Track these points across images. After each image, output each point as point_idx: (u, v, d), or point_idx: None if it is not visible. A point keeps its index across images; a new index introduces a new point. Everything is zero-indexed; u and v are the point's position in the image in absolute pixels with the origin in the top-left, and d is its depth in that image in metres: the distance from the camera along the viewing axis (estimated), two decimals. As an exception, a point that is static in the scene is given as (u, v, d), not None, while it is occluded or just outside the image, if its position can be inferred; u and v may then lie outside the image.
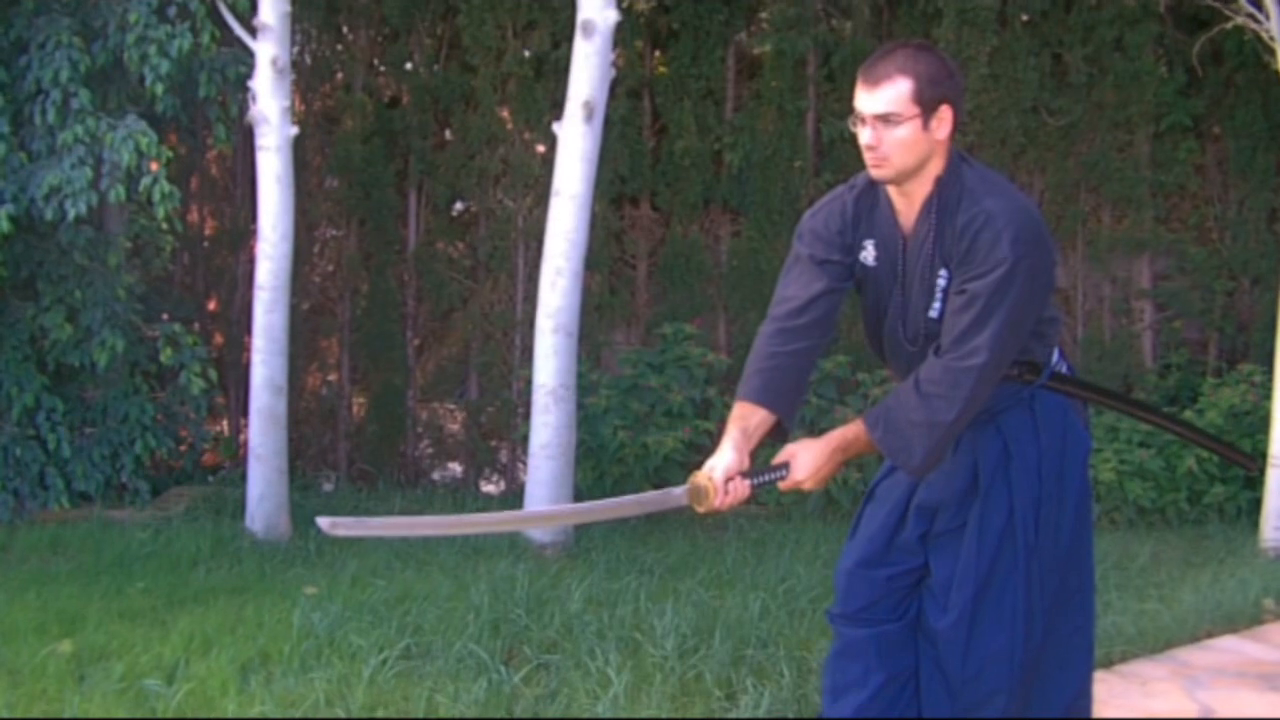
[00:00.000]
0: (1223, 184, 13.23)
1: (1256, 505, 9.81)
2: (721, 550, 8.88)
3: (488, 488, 13.14)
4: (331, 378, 13.98)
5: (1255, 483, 10.00)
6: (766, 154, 12.65)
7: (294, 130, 9.97)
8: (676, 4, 12.78)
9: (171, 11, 10.09)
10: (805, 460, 3.65)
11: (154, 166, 9.94)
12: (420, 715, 5.40)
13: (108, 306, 10.60)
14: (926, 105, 3.57)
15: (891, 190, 3.74)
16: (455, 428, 13.92)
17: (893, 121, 3.57)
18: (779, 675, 5.75)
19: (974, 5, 12.08)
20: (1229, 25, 9.97)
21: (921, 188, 3.67)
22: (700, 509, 3.64)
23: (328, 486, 12.56)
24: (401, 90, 13.84)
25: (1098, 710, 5.24)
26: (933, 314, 3.67)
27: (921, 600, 3.91)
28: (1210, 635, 6.97)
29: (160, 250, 11.88)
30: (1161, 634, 6.85)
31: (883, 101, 3.57)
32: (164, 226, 10.84)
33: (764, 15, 13.16)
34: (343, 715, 5.36)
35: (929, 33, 12.33)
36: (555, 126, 9.32)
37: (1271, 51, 9.49)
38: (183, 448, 12.16)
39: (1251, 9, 9.52)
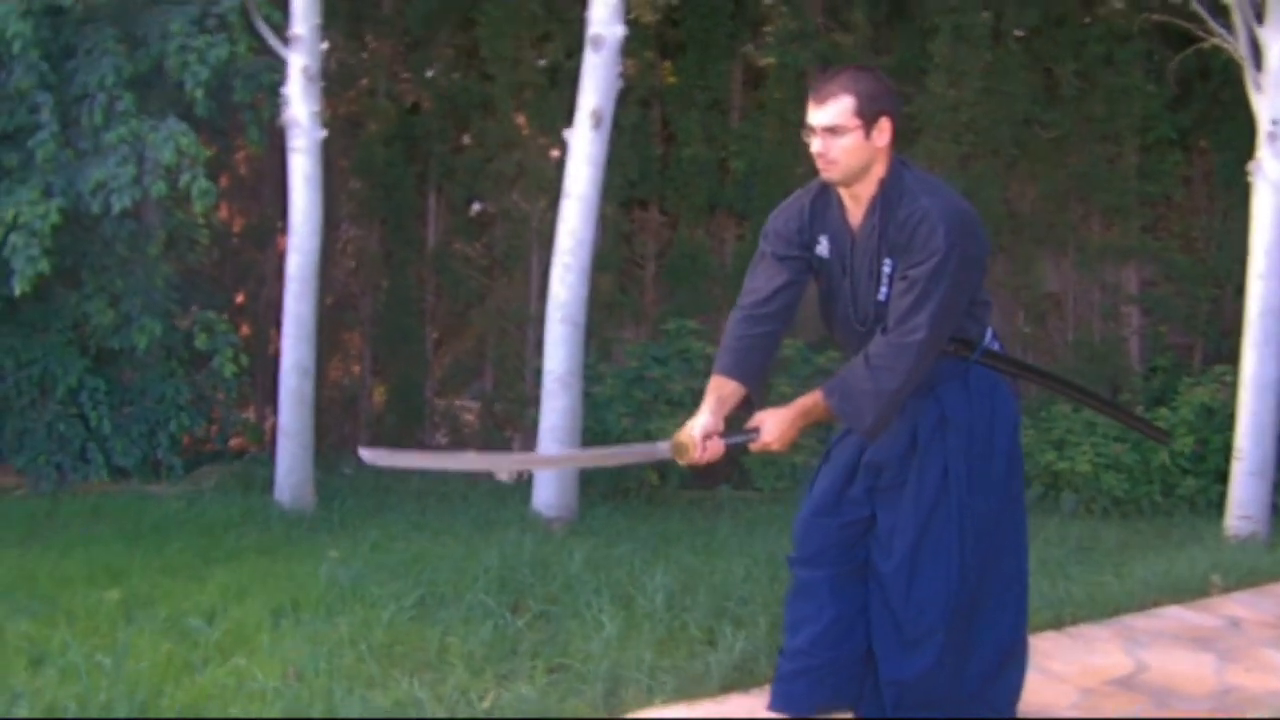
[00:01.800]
0: (1208, 195, 13.74)
1: (1224, 498, 10.32)
2: (715, 526, 9.43)
3: (501, 475, 13.58)
4: (353, 369, 14.52)
5: (1225, 476, 10.44)
6: (769, 161, 13.10)
7: (323, 133, 10.62)
8: (685, 17, 13.24)
9: (210, 22, 10.88)
10: (772, 425, 4.13)
11: (192, 167, 10.55)
12: (433, 653, 5.97)
13: (146, 294, 11.25)
14: (867, 118, 4.07)
15: (842, 191, 4.22)
16: (471, 419, 14.45)
17: (838, 132, 4.08)
18: (755, 625, 6.28)
19: (968, 22, 12.60)
20: (1206, 45, 10.47)
21: (867, 189, 4.15)
22: (681, 461, 4.21)
23: (348, 470, 13.08)
24: (422, 96, 14.38)
25: (1041, 662, 5.86)
26: (880, 298, 4.13)
27: (869, 547, 4.43)
28: (1157, 605, 7.42)
29: (196, 243, 12.51)
30: (1111, 602, 7.32)
31: (829, 115, 4.10)
32: (200, 221, 11.47)
33: (768, 29, 13.60)
34: (364, 651, 5.94)
35: (925, 48, 12.84)
36: (566, 133, 9.88)
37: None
38: (214, 429, 12.78)
39: (1221, 31, 10.06)
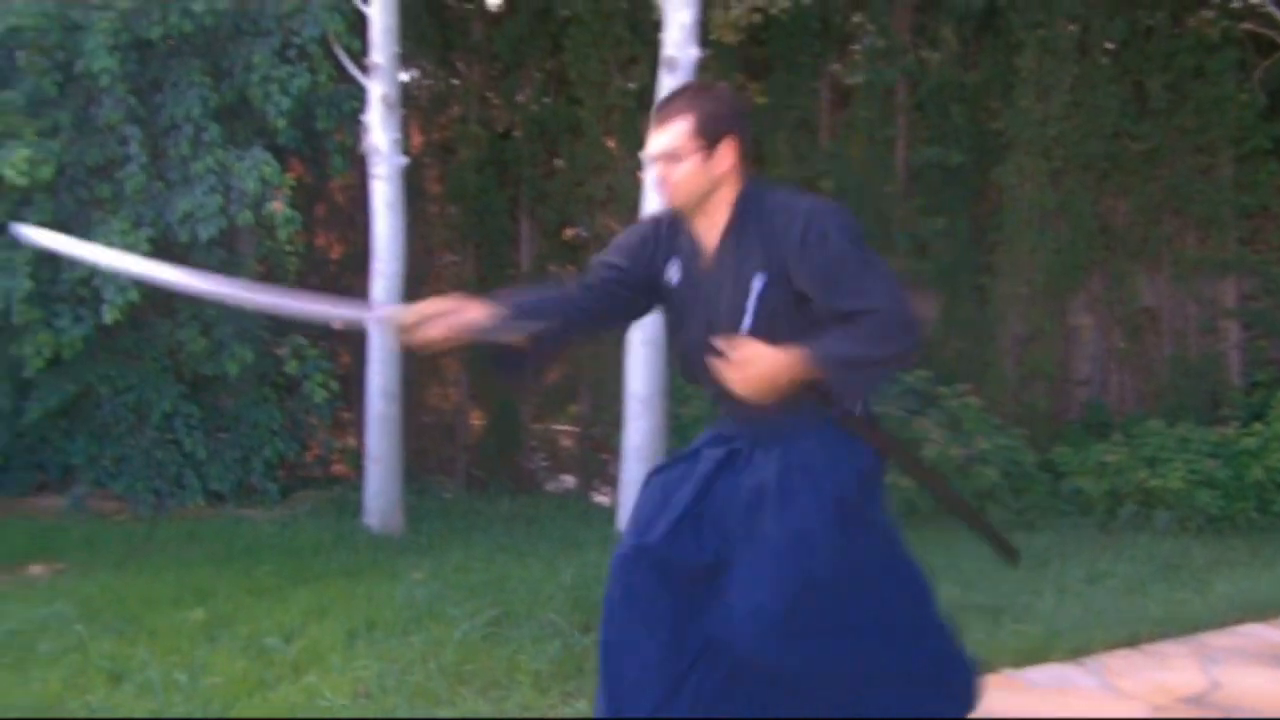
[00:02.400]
0: (1308, 206, 13.49)
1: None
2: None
3: (599, 498, 13.64)
4: (451, 394, 14.67)
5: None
6: (858, 180, 13.02)
7: (404, 160, 10.76)
8: (770, 37, 13.27)
9: (292, 53, 11.15)
10: (763, 360, 3.69)
11: (278, 196, 10.76)
12: (502, 672, 6.04)
13: (238, 322, 11.47)
14: (708, 140, 3.86)
15: (695, 219, 3.99)
16: (569, 443, 14.54)
17: (676, 157, 3.87)
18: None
19: (1055, 35, 12.52)
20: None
21: (719, 213, 3.93)
22: (394, 335, 3.99)
23: (446, 495, 13.21)
24: (513, 122, 14.53)
25: (1112, 680, 5.83)
26: (745, 325, 3.85)
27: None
28: (1239, 623, 7.27)
29: (286, 271, 12.72)
30: (1191, 620, 7.22)
31: (666, 140, 3.90)
32: (287, 248, 11.68)
33: (855, 47, 13.60)
34: (434, 669, 6.03)
35: (1012, 63, 12.78)
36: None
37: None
38: (309, 456, 12.99)
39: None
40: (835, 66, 13.74)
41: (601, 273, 4.13)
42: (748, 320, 3.86)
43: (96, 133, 11.07)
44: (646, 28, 12.82)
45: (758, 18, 13.00)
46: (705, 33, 10.49)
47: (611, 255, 4.16)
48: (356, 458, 12.94)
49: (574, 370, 13.96)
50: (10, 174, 10.30)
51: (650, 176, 4.01)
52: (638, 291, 4.14)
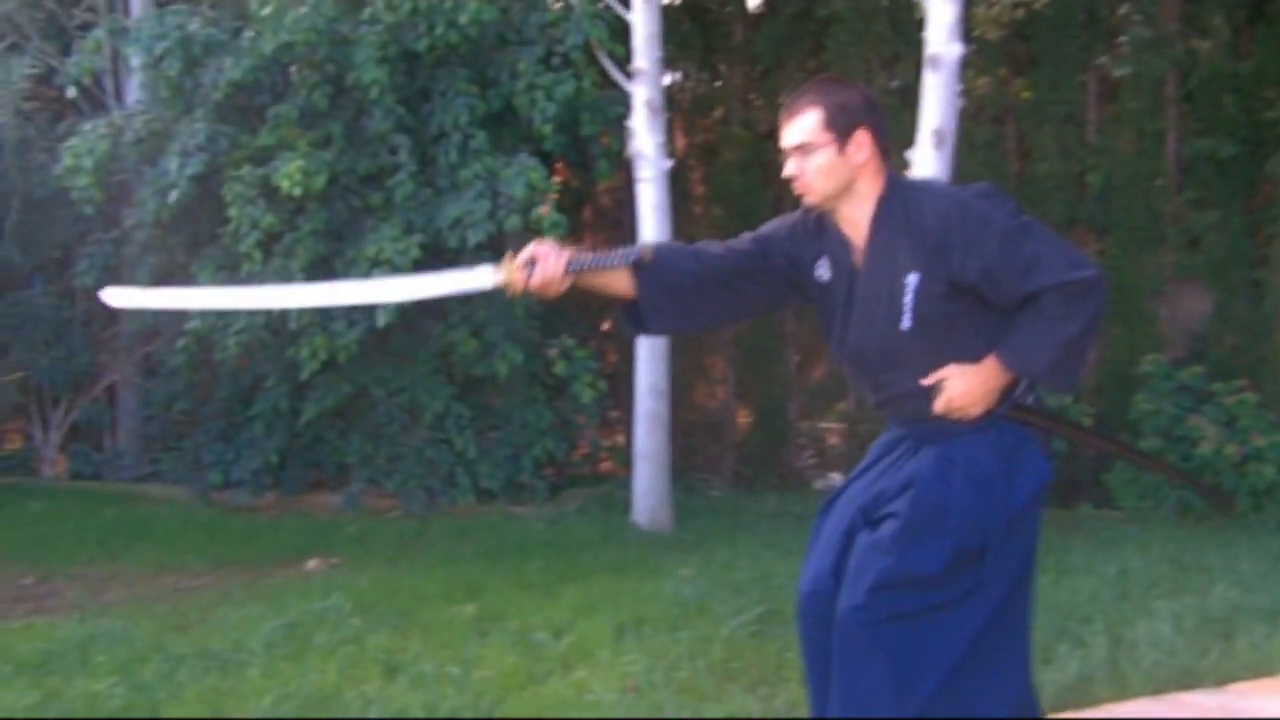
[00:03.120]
0: None
1: None
2: (1069, 545, 9.17)
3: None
4: (718, 392, 14.71)
5: None
6: (1127, 174, 12.64)
7: (669, 163, 10.82)
8: (1035, 32, 12.99)
9: (556, 60, 11.33)
10: (958, 379, 3.69)
11: (545, 201, 10.93)
12: (770, 669, 6.01)
13: (507, 324, 11.66)
14: (840, 132, 3.72)
15: (838, 219, 3.85)
16: (836, 440, 14.47)
17: (808, 150, 3.73)
18: (1094, 646, 6.10)
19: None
20: None
21: (861, 210, 3.79)
22: (506, 286, 3.85)
23: (714, 492, 13.25)
24: (776, 122, 14.46)
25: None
26: (904, 326, 3.73)
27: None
28: None
29: (551, 274, 12.86)
30: None
31: (798, 133, 3.76)
32: (555, 253, 11.82)
33: (1122, 39, 13.23)
34: (702, 666, 6.03)
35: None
36: (909, 153, 9.73)
37: None
38: (578, 454, 13.16)
39: None
40: (1102, 59, 13.32)
41: (743, 245, 4.01)
42: (907, 320, 3.73)
43: (367, 142, 11.40)
44: (908, 25, 12.64)
45: (1021, 12, 12.74)
46: (968, 29, 10.29)
47: (756, 237, 4.02)
48: (624, 456, 13.06)
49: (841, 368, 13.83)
50: (285, 184, 10.64)
51: (787, 170, 3.80)
52: (774, 279, 4.01)
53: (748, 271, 3.99)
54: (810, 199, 3.82)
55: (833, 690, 3.81)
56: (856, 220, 3.80)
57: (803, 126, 3.77)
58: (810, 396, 14.46)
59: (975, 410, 3.72)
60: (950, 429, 3.77)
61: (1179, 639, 6.22)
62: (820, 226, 3.92)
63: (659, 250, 4.01)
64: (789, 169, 3.80)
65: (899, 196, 3.76)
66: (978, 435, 3.76)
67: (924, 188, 3.87)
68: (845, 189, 3.77)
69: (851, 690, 3.75)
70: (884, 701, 3.69)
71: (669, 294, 4.00)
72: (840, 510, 3.99)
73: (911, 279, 3.69)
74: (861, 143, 3.74)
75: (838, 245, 3.87)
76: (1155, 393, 11.38)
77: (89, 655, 6.43)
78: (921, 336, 3.72)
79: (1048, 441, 3.90)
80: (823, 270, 3.91)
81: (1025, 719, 3.89)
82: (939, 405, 3.72)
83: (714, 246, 4.07)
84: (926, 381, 3.74)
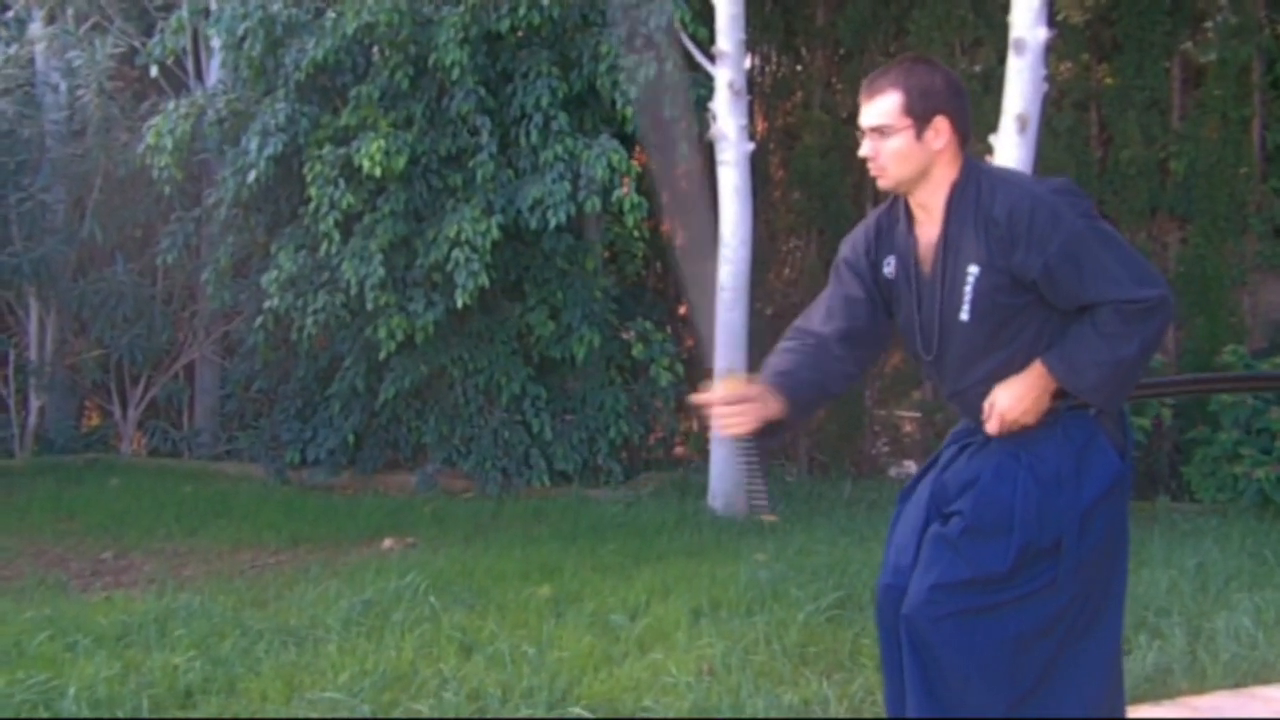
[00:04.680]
0: None
1: None
2: (1147, 537, 9.06)
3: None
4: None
5: None
6: (1211, 162, 12.48)
7: (750, 146, 10.78)
8: (1120, 17, 12.85)
9: (638, 42, 11.27)
10: (1005, 394, 3.64)
11: (625, 183, 10.92)
12: (845, 654, 5.98)
13: (586, 306, 11.68)
14: (918, 117, 3.65)
15: (911, 203, 3.78)
16: (911, 428, 14.40)
17: (885, 133, 3.66)
18: (1172, 637, 6.08)
19: None
20: None
21: (935, 197, 3.72)
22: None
23: (789, 478, 13.20)
24: (857, 106, 14.38)
25: None
26: (963, 317, 3.67)
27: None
28: None
29: (633, 256, 12.87)
30: None
31: (876, 114, 3.68)
32: (635, 234, 11.83)
33: (1208, 25, 13.06)
34: (778, 650, 6.00)
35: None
36: (992, 138, 9.67)
37: None
38: (653, 438, 13.13)
39: None
40: (1187, 45, 13.16)
41: (836, 298, 3.93)
42: (965, 311, 3.67)
43: (448, 123, 11.42)
44: (991, 9, 12.56)
45: (1105, -3, 12.67)
46: (1052, 13, 10.18)
47: (842, 272, 3.96)
48: (700, 441, 13.04)
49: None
50: (366, 164, 10.68)
51: (863, 150, 3.72)
52: (873, 297, 3.91)
53: (859, 306, 3.90)
54: (883, 182, 3.74)
55: (908, 685, 3.78)
56: (930, 207, 3.73)
57: (882, 108, 3.69)
58: (886, 384, 14.38)
59: (1029, 419, 3.64)
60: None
61: (1259, 632, 6.14)
62: (890, 222, 3.86)
63: (783, 388, 3.85)
64: (864, 149, 3.73)
65: (973, 185, 3.67)
66: (1044, 430, 3.68)
67: (1000, 177, 3.73)
68: (920, 174, 3.69)
69: (927, 687, 3.72)
70: (957, 698, 3.65)
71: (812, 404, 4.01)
72: (917, 500, 3.94)
73: (973, 269, 3.63)
74: (940, 129, 3.66)
75: (906, 239, 3.80)
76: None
77: (167, 629, 6.46)
78: (980, 329, 3.66)
79: (1122, 436, 3.80)
80: (890, 266, 3.84)
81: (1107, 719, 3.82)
82: (991, 427, 3.65)
83: (813, 319, 3.96)
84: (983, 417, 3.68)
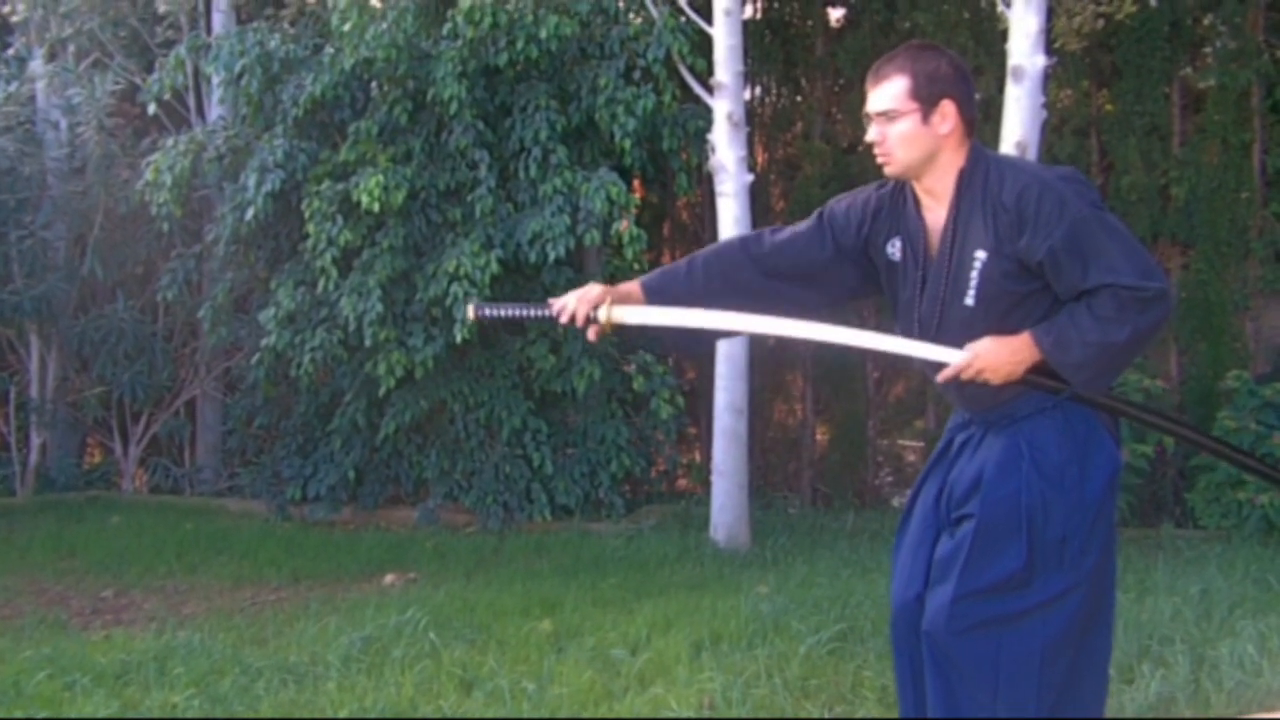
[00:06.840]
0: None
1: None
2: (1151, 564, 9.06)
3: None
4: (796, 409, 14.64)
5: None
6: (1212, 187, 12.46)
7: (750, 178, 10.78)
8: (1118, 43, 12.86)
9: (637, 74, 11.33)
10: (988, 348, 3.65)
11: (625, 224, 10.92)
12: (848, 687, 5.95)
13: (586, 339, 11.61)
14: (925, 101, 3.72)
15: (918, 188, 3.85)
16: (914, 458, 14.37)
17: (892, 117, 3.72)
18: (1176, 665, 6.04)
19: None
20: None
21: (942, 183, 3.77)
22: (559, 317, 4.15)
23: (792, 510, 13.18)
24: (857, 136, 14.43)
25: None
26: (968, 301, 3.72)
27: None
28: None
29: (632, 289, 12.84)
30: None
31: (882, 99, 3.75)
32: (634, 267, 11.81)
33: (1207, 50, 13.09)
34: (779, 683, 5.98)
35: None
36: (990, 167, 9.64)
37: None
38: (655, 472, 13.12)
39: None
40: (1186, 70, 13.18)
41: (799, 231, 4.05)
42: (971, 296, 3.72)
43: (447, 158, 11.43)
44: (990, 37, 12.60)
45: (1103, 24, 12.65)
46: (1050, 40, 10.21)
47: (828, 219, 4.03)
48: (702, 473, 13.02)
49: (920, 385, 13.76)
50: (365, 200, 10.68)
51: (869, 135, 3.77)
52: (843, 256, 4.01)
53: (810, 256, 4.01)
54: (890, 168, 3.80)
55: (929, 702, 3.77)
56: (937, 192, 3.79)
57: (888, 93, 3.75)
58: (889, 414, 14.37)
59: (993, 378, 3.67)
60: (1015, 412, 3.76)
61: (1263, 660, 6.13)
62: (896, 202, 3.91)
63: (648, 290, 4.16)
64: (871, 134, 3.79)
65: (981, 170, 3.73)
66: (1043, 419, 3.74)
67: (1007, 163, 3.80)
68: (927, 159, 3.76)
69: (949, 703, 3.71)
70: (982, 712, 3.66)
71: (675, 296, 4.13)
72: (922, 506, 4.01)
73: (980, 255, 3.68)
74: (947, 113, 3.74)
75: (913, 222, 3.85)
76: (1239, 410, 11.14)
77: (167, 667, 6.45)
78: (985, 314, 3.70)
79: (1116, 428, 3.86)
80: (894, 249, 3.90)
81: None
82: (949, 372, 3.69)
83: (762, 237, 4.13)
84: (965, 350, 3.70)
